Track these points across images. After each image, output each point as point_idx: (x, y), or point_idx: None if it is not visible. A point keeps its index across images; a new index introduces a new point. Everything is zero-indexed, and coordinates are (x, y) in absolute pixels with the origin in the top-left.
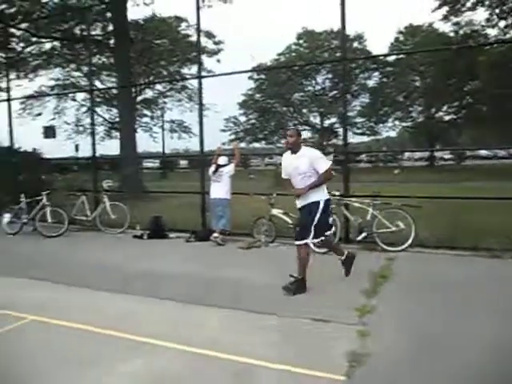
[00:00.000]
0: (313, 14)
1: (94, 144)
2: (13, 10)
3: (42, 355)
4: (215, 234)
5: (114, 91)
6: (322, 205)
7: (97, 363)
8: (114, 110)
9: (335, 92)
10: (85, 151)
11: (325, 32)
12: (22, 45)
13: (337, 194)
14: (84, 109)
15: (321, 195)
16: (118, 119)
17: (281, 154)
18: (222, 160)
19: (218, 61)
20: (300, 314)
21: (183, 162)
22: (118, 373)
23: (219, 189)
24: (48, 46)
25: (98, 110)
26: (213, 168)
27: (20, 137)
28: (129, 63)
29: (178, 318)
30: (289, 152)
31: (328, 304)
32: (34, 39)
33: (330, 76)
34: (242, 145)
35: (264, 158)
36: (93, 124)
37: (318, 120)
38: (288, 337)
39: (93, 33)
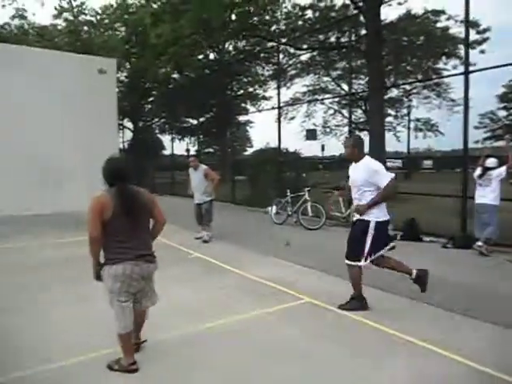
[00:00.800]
0: None
1: None
2: (277, 29)
3: (313, 336)
4: (479, 243)
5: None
6: (372, 225)
7: (364, 354)
8: (358, 111)
9: None
10: (329, 151)
11: None
12: (285, 58)
13: None
14: (331, 111)
15: (375, 214)
16: (361, 120)
17: None
18: (491, 162)
19: (483, 51)
20: None
21: (427, 163)
22: (385, 368)
23: (487, 194)
24: (304, 56)
25: (343, 111)
26: (479, 171)
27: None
28: (381, 65)
29: (444, 324)
30: None
31: None
32: (292, 51)
33: None
34: (499, 143)
35: None
36: (350, 125)
37: None
38: None
39: (346, 39)
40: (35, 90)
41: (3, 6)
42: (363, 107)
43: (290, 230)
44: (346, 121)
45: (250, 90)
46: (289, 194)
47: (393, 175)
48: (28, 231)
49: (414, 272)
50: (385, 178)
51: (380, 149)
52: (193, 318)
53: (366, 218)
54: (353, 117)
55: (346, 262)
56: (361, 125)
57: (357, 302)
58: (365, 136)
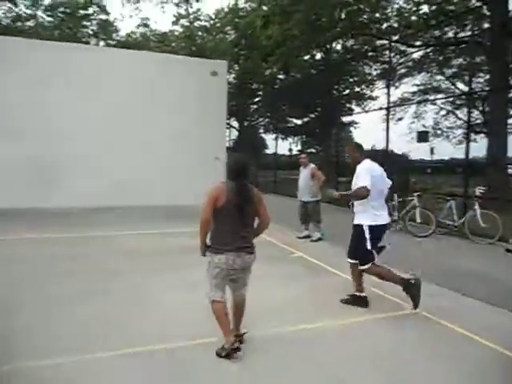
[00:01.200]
0: None
1: (467, 149)
2: (388, 26)
3: (414, 346)
4: None
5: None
6: (366, 229)
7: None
8: (475, 112)
9: None
10: (439, 155)
11: None
12: (396, 57)
13: None
14: (443, 112)
15: (369, 218)
16: (477, 121)
17: None
18: None
19: None
20: None
21: None
22: None
23: None
24: (416, 54)
25: (457, 112)
26: None
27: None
28: (506, 61)
29: None
30: None
31: None
32: (403, 48)
33: None
34: None
35: None
36: (469, 128)
37: None
38: None
39: (465, 34)
40: (149, 92)
41: (130, 16)
42: (481, 108)
43: (396, 237)
44: (459, 122)
45: (357, 89)
46: (396, 198)
47: (363, 185)
48: (145, 221)
49: (404, 281)
50: (359, 181)
51: (501, 153)
52: (291, 317)
53: (358, 222)
54: (467, 118)
55: (360, 267)
56: (477, 127)
57: (416, 296)
58: (481, 139)
